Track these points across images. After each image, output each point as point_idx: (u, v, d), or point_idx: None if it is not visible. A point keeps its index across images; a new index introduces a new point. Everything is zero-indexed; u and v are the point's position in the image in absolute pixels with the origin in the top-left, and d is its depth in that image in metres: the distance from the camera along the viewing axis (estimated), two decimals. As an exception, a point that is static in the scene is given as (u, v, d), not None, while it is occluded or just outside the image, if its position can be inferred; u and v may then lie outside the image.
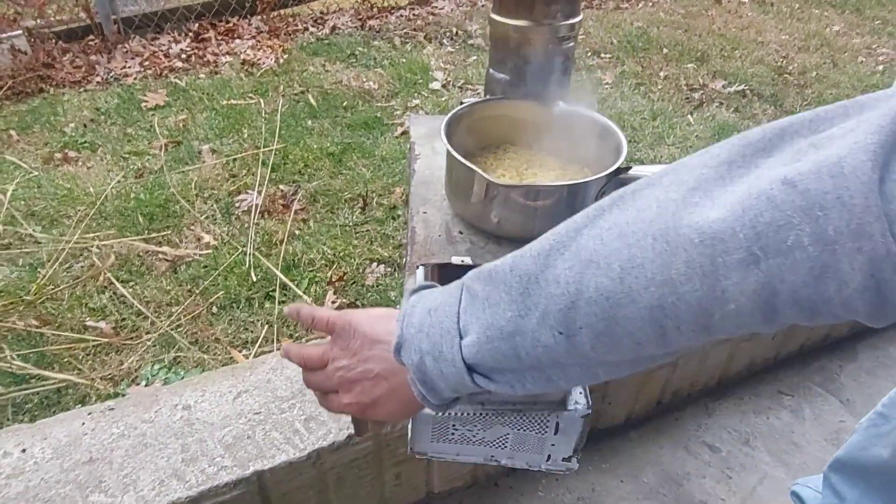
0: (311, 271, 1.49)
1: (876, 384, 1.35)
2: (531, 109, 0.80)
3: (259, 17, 3.00)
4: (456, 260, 0.67)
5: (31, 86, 2.36)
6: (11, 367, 1.20)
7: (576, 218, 0.39)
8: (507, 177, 0.78)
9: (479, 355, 0.41)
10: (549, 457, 0.93)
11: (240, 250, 1.53)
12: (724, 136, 1.98)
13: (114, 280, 1.42)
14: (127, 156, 1.94)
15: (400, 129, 2.11)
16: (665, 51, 2.87)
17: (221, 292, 1.41)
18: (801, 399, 1.31)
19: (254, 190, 1.75)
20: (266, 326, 1.33)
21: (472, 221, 0.72)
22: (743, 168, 0.34)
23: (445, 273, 0.69)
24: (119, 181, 1.79)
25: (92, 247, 1.53)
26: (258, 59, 2.61)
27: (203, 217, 1.66)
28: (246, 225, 1.63)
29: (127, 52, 2.66)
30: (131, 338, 1.30)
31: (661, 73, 2.63)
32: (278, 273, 1.45)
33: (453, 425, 0.89)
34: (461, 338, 0.42)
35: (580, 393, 0.91)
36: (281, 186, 1.79)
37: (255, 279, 1.44)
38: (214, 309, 1.38)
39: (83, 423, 0.89)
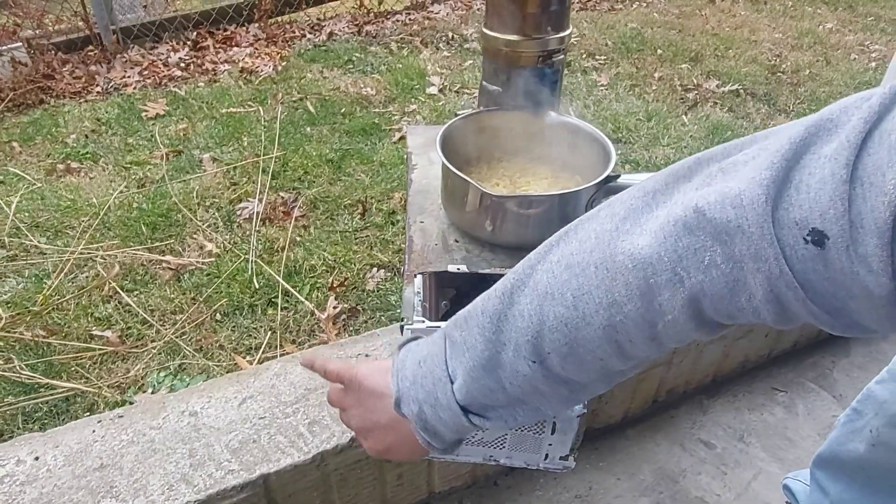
0: (312, 277, 1.52)
1: (868, 379, 1.37)
2: (523, 120, 0.83)
3: (256, 25, 3.03)
4: (452, 268, 0.70)
5: (32, 97, 2.39)
6: (20, 377, 1.23)
7: (530, 255, 0.44)
8: (502, 185, 0.81)
9: (469, 395, 0.45)
10: (546, 456, 0.96)
11: (242, 258, 1.55)
12: (719, 136, 2.00)
13: (118, 289, 1.45)
14: (128, 166, 1.96)
15: (398, 135, 2.13)
16: (659, 51, 2.90)
17: (224, 300, 1.43)
18: (794, 395, 1.34)
19: (254, 197, 1.77)
20: (269, 332, 1.36)
21: (467, 230, 0.75)
22: (665, 195, 0.38)
23: (442, 281, 0.72)
24: (121, 191, 1.81)
25: (96, 257, 1.55)
26: (256, 67, 2.63)
27: (205, 225, 1.68)
28: (247, 232, 1.66)
29: (126, 61, 2.69)
30: (137, 346, 1.33)
31: (656, 74, 2.66)
32: (280, 280, 1.48)
33: (453, 427, 0.92)
34: (452, 382, 0.46)
35: (576, 393, 0.94)
36: (281, 193, 1.81)
37: (257, 286, 1.47)
38: (218, 316, 1.40)
39: (93, 431, 0.92)
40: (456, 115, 0.83)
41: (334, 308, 1.41)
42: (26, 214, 1.72)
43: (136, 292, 1.46)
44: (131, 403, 1.18)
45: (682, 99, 2.47)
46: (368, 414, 0.53)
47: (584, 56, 2.83)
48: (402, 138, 2.10)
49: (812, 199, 0.31)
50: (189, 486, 0.84)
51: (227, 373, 1.26)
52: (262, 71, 2.60)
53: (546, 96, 0.81)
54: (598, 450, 1.20)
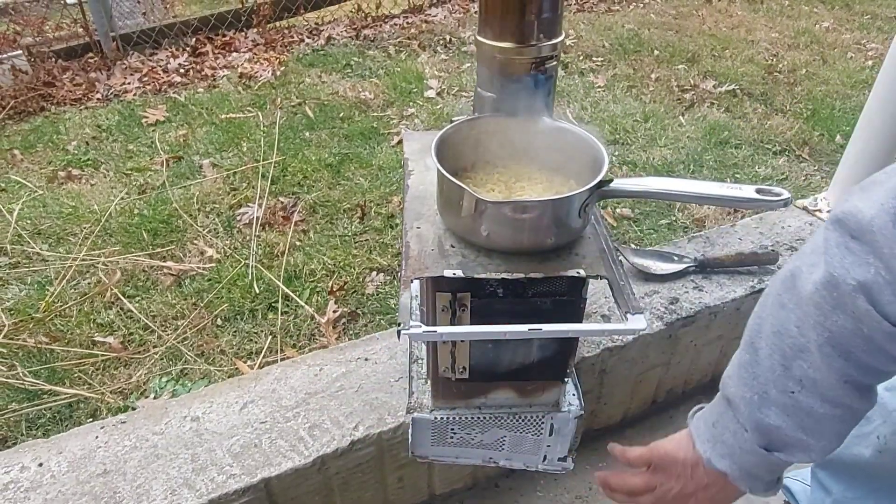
0: (312, 282, 1.53)
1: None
2: (518, 125, 0.84)
3: (255, 30, 3.04)
4: (448, 273, 0.71)
5: (33, 105, 2.40)
6: (24, 384, 1.24)
7: (755, 309, 0.56)
8: (497, 191, 0.82)
9: (763, 438, 0.55)
10: (545, 457, 0.97)
11: (242, 263, 1.57)
12: (716, 137, 2.00)
13: (120, 296, 1.46)
14: (129, 172, 1.98)
15: (396, 139, 2.14)
16: (656, 52, 2.91)
17: (225, 305, 1.44)
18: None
19: (254, 203, 1.79)
20: (270, 337, 1.37)
21: (463, 235, 0.75)
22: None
23: (439, 285, 0.73)
24: (122, 198, 1.83)
25: (98, 263, 1.56)
26: (255, 72, 2.65)
27: (205, 231, 1.70)
28: (247, 237, 1.67)
29: (126, 68, 2.70)
30: (139, 352, 1.34)
31: (653, 75, 2.67)
32: (280, 284, 1.49)
33: (452, 429, 0.93)
34: (746, 431, 0.56)
35: (573, 394, 0.95)
36: (281, 198, 1.82)
37: (257, 291, 1.48)
38: (219, 321, 1.41)
39: (97, 437, 0.93)
40: (451, 121, 0.84)
41: (334, 312, 1.42)
42: (28, 222, 1.73)
43: (137, 298, 1.47)
44: (134, 409, 1.19)
45: (679, 100, 2.48)
46: (686, 481, 0.62)
47: (582, 58, 2.84)
48: (401, 142, 2.11)
49: None
50: (191, 490, 0.85)
51: (229, 377, 1.27)
52: (260, 76, 2.62)
53: (540, 102, 0.82)
54: (598, 451, 1.21)
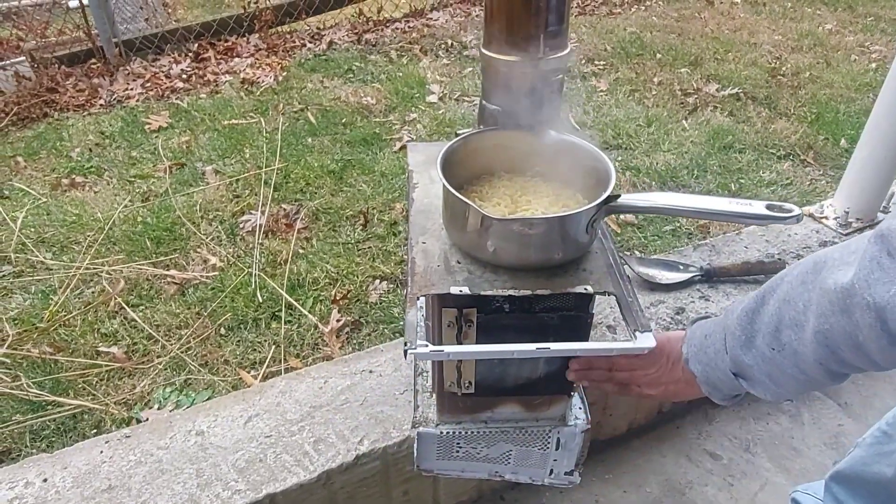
0: (315, 290, 1.52)
1: (874, 387, 1.37)
2: (523, 139, 0.83)
3: (257, 35, 3.04)
4: (454, 290, 0.70)
5: (36, 111, 2.41)
6: (28, 395, 1.24)
7: (782, 272, 0.62)
8: (503, 205, 0.81)
9: (736, 366, 0.65)
10: (551, 471, 0.96)
11: (245, 271, 1.56)
12: (719, 141, 1.99)
13: (124, 305, 1.46)
14: (132, 179, 1.98)
15: (398, 144, 2.14)
16: (659, 56, 2.90)
17: (229, 314, 1.44)
18: (799, 404, 1.34)
19: (257, 210, 1.78)
20: (273, 347, 1.36)
21: (469, 251, 0.75)
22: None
23: (445, 302, 0.72)
24: (126, 205, 1.83)
25: (102, 272, 1.56)
26: (257, 78, 2.65)
27: (209, 239, 1.69)
28: (250, 245, 1.66)
29: (129, 74, 2.71)
30: (143, 362, 1.33)
31: (656, 79, 2.66)
32: (283, 293, 1.48)
33: (458, 443, 0.92)
34: (727, 353, 0.65)
35: (580, 409, 0.94)
36: (283, 205, 1.82)
37: (261, 300, 1.48)
38: (223, 330, 1.41)
39: (101, 452, 0.92)
40: (457, 134, 0.83)
41: (337, 321, 1.41)
42: (32, 230, 1.73)
43: (141, 307, 1.47)
44: (138, 420, 1.19)
45: (682, 103, 2.47)
46: (663, 371, 0.74)
47: (584, 61, 2.83)
48: (403, 147, 2.11)
49: None
50: (196, 506, 0.84)
51: (233, 388, 1.27)
52: (263, 81, 2.62)
53: (545, 115, 0.81)
54: (605, 462, 1.20)
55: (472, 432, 0.90)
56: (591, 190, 0.77)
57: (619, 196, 0.72)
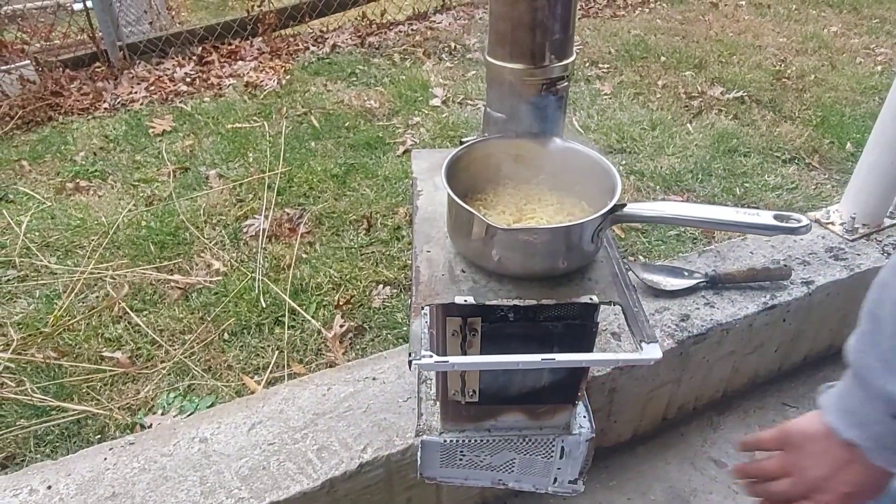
0: (318, 295, 1.52)
1: (880, 393, 1.36)
2: (528, 146, 0.83)
3: (260, 39, 3.05)
4: (459, 300, 0.70)
5: (41, 115, 2.42)
6: (32, 400, 1.24)
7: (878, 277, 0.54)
8: (508, 213, 0.81)
9: (891, 403, 0.52)
10: (555, 479, 0.96)
11: (249, 276, 1.56)
12: (724, 145, 1.98)
13: (128, 310, 1.46)
14: (136, 183, 1.98)
15: (402, 148, 2.14)
16: (663, 58, 2.89)
17: (232, 319, 1.44)
18: (806, 410, 1.32)
19: (260, 214, 1.78)
20: (276, 352, 1.36)
21: (473, 260, 0.75)
22: None
23: (450, 312, 0.72)
24: (130, 210, 1.83)
25: (106, 277, 1.57)
26: (261, 81, 2.65)
27: (212, 243, 1.69)
28: (254, 250, 1.67)
29: (133, 77, 2.71)
30: (146, 367, 1.34)
31: (660, 82, 2.65)
32: (287, 298, 1.48)
33: (461, 451, 0.92)
34: (873, 399, 0.53)
35: (584, 417, 0.94)
36: (287, 210, 1.82)
37: (264, 305, 1.48)
38: (226, 336, 1.41)
39: (105, 459, 0.92)
40: (461, 142, 0.83)
41: (341, 326, 1.41)
42: (36, 234, 1.74)
43: (145, 312, 1.47)
44: (142, 426, 1.19)
45: (686, 107, 2.46)
46: (821, 459, 0.57)
47: (588, 64, 2.83)
48: (407, 151, 2.11)
49: None
50: (200, 515, 0.84)
51: (236, 393, 1.27)
52: (266, 85, 2.62)
53: (550, 123, 0.81)
54: (609, 468, 1.20)
55: (476, 440, 0.90)
56: (596, 198, 0.76)
57: (624, 205, 0.72)
